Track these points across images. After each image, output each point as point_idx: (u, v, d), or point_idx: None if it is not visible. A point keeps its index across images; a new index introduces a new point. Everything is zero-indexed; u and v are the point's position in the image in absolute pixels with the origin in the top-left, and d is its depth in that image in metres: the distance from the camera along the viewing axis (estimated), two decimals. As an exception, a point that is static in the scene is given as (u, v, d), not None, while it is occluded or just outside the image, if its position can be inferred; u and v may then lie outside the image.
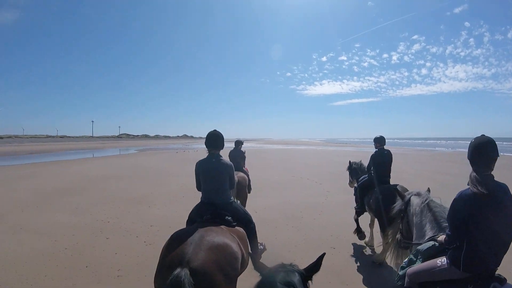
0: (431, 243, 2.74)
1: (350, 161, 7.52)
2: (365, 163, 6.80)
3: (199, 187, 4.11)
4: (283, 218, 8.67)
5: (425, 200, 3.15)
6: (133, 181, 14.96)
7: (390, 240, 4.80)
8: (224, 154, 4.59)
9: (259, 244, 4.57)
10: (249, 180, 8.19)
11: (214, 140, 3.99)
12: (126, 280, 5.04)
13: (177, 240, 2.83)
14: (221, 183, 3.92)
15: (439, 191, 3.72)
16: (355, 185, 7.03)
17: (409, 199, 3.44)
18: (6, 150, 44.73)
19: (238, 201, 4.86)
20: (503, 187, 2.41)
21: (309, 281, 1.79)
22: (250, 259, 2.71)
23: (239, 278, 3.02)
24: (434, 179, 15.76)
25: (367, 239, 6.70)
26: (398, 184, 5.65)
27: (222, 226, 3.32)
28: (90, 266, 5.47)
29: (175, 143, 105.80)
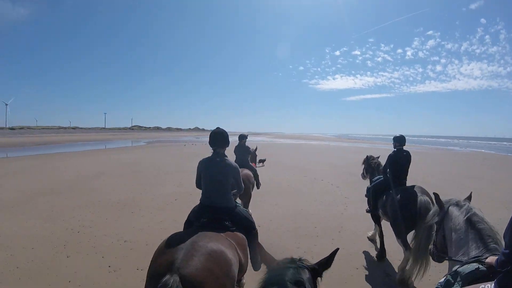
0: (475, 265, 2.34)
1: (367, 156, 7.21)
2: (383, 161, 6.31)
3: (198, 185, 3.92)
4: (294, 238, 6.89)
5: (467, 213, 2.74)
6: (126, 179, 13.62)
7: (412, 247, 4.62)
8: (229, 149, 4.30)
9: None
10: (257, 176, 8.03)
11: (219, 138, 3.79)
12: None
13: (169, 244, 2.67)
14: (224, 186, 3.70)
15: (472, 200, 3.05)
16: (368, 185, 6.68)
17: (447, 210, 2.98)
18: (10, 141, 43.93)
19: (241, 204, 4.33)
20: None
21: (319, 278, 1.68)
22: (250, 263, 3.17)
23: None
24: (462, 184, 13.95)
25: (370, 233, 6.59)
26: (415, 185, 5.37)
27: (221, 233, 3.13)
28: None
29: (186, 136, 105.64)
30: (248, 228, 3.69)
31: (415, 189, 5.22)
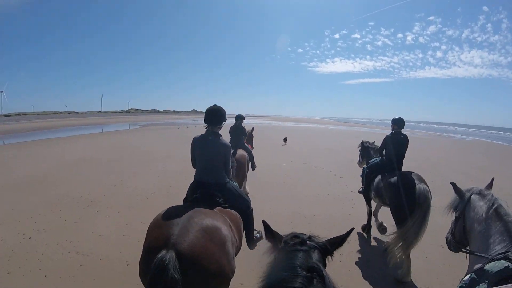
0: (504, 263, 2.07)
1: (362, 141, 7.09)
2: (379, 145, 6.08)
3: (194, 164, 3.80)
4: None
5: (493, 205, 2.49)
6: (106, 168, 12.36)
7: (403, 232, 4.53)
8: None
9: (255, 231, 3.97)
10: (251, 156, 8.09)
11: (213, 115, 3.64)
12: None
13: (166, 217, 2.65)
14: (214, 163, 3.59)
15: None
16: (364, 165, 6.59)
17: (469, 199, 2.72)
18: (1, 128, 42.29)
19: (235, 183, 4.09)
20: None
21: (329, 256, 1.52)
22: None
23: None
24: (467, 173, 13.09)
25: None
26: (412, 172, 5.15)
27: (214, 208, 3.13)
28: None
29: (182, 118, 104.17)
30: (243, 207, 3.62)
31: (412, 175, 4.99)
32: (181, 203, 3.48)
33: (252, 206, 3.83)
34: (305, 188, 9.63)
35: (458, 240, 2.89)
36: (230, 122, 6.10)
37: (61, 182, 9.90)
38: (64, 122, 60.14)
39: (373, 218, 6.30)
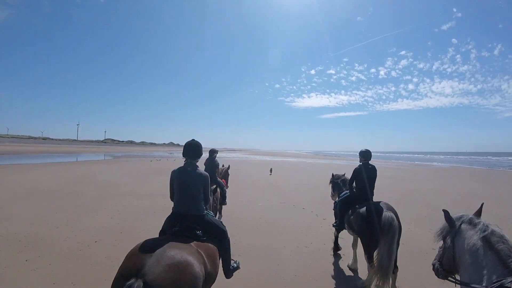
0: None
1: (333, 174, 7.29)
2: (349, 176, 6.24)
3: (172, 197, 3.88)
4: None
5: (484, 232, 2.43)
6: (58, 202, 11.00)
7: (375, 264, 4.59)
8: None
9: (232, 261, 4.04)
10: (224, 191, 8.17)
11: (192, 149, 3.83)
12: None
13: (141, 249, 2.74)
14: (194, 193, 3.69)
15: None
16: (336, 199, 6.74)
17: (459, 228, 2.67)
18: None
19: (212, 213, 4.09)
20: None
21: None
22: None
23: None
24: (456, 200, 13.16)
25: (350, 261, 6.11)
26: (381, 201, 5.23)
27: (192, 242, 3.19)
28: None
29: (158, 151, 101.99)
30: (220, 236, 3.72)
31: (380, 204, 5.07)
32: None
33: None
34: (283, 235, 8.04)
35: (446, 268, 2.83)
36: (205, 155, 5.90)
37: (2, 218, 8.55)
38: (37, 148, 58.02)
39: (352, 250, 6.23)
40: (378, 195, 6.17)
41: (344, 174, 7.02)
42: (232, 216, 9.35)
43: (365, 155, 5.80)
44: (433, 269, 2.98)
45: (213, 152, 8.18)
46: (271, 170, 25.49)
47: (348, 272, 5.88)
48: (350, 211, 5.62)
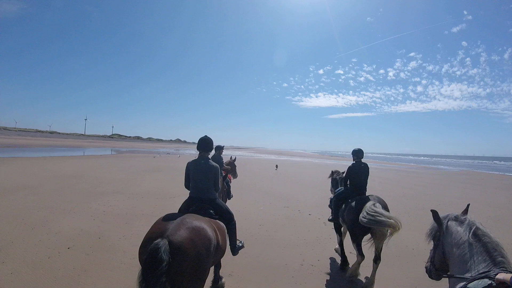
0: (487, 281, 2.22)
1: (332, 171, 7.62)
2: None
3: (187, 185, 4.52)
4: None
5: (471, 229, 2.60)
6: (43, 198, 10.32)
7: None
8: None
9: (238, 241, 4.74)
10: (228, 186, 8.15)
11: (205, 144, 4.46)
12: None
13: (163, 220, 3.27)
14: (207, 181, 4.32)
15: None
16: (331, 196, 7.06)
17: (446, 225, 2.84)
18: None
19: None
20: None
21: None
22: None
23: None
24: (479, 210, 12.17)
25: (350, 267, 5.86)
26: (372, 195, 5.58)
27: (206, 217, 3.72)
28: None
29: (164, 147, 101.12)
30: (228, 219, 4.36)
31: (370, 197, 5.38)
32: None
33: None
34: (285, 250, 6.77)
35: (438, 267, 2.91)
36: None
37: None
38: (42, 142, 57.70)
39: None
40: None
41: (343, 172, 7.09)
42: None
43: (358, 153, 6.14)
44: (426, 271, 3.06)
45: (218, 148, 8.30)
46: (276, 166, 29.58)
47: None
48: (344, 205, 5.89)
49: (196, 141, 4.59)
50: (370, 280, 4.99)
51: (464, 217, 2.77)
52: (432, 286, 4.54)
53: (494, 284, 2.16)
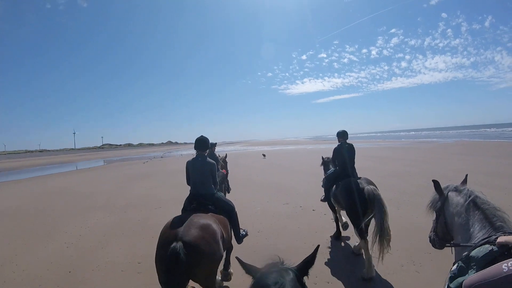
0: (487, 247, 2.23)
1: (322, 157, 7.76)
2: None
3: (188, 182, 4.75)
4: None
5: (469, 197, 2.64)
6: (22, 224, 9.60)
7: (375, 233, 4.69)
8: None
9: (241, 230, 4.98)
10: (226, 180, 7.87)
11: (201, 143, 4.74)
12: None
13: (173, 223, 3.53)
14: (205, 177, 4.59)
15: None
16: (324, 176, 7.16)
17: (447, 196, 2.88)
18: None
19: (221, 193, 5.24)
20: None
21: (306, 277, 1.60)
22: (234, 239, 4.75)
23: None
24: (478, 180, 11.27)
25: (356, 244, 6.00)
26: (361, 177, 5.70)
27: (209, 213, 4.08)
28: None
29: (156, 151, 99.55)
30: (228, 211, 4.62)
31: (361, 180, 5.48)
32: None
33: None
34: (290, 253, 5.81)
35: (441, 237, 2.94)
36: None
37: None
38: (30, 162, 56.80)
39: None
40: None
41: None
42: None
43: (342, 135, 6.29)
44: (430, 241, 3.10)
45: (211, 146, 8.39)
46: (264, 155, 31.18)
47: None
48: (334, 186, 6.09)
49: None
50: (369, 269, 4.87)
51: (464, 187, 2.82)
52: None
53: (496, 248, 2.16)
